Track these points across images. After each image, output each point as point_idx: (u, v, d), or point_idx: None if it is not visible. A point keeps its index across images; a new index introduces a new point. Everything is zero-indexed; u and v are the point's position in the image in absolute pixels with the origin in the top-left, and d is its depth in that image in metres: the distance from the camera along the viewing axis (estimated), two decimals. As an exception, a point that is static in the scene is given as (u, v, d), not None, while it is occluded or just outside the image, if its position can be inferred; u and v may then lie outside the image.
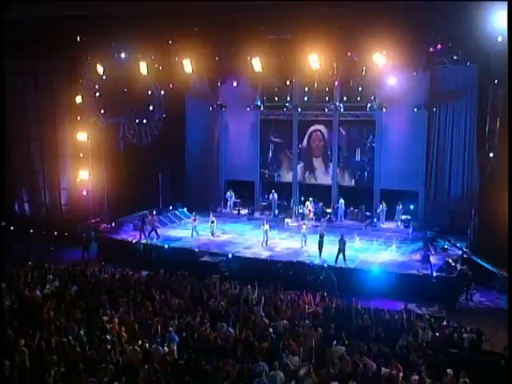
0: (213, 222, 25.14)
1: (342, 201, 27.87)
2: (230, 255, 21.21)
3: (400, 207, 26.52)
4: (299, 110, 29.13)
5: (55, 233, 26.62)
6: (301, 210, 28.32)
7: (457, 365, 11.63)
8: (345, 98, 28.22)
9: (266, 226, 23.83)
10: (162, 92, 28.80)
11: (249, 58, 22.96)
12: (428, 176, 26.58)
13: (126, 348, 12.22)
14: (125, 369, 11.17)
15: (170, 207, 29.97)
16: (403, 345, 13.47)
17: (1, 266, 17.35)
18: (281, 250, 22.73)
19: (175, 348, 12.79)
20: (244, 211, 29.69)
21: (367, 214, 26.78)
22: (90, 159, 27.45)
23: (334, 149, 29.11)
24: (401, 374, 11.72)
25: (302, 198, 29.20)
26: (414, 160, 26.78)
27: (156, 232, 24.24)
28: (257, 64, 23.00)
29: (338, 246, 20.59)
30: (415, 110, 25.81)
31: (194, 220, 26.02)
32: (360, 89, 27.13)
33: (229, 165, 31.56)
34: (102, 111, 26.84)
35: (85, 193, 27.38)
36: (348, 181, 29.05)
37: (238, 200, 30.44)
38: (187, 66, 24.07)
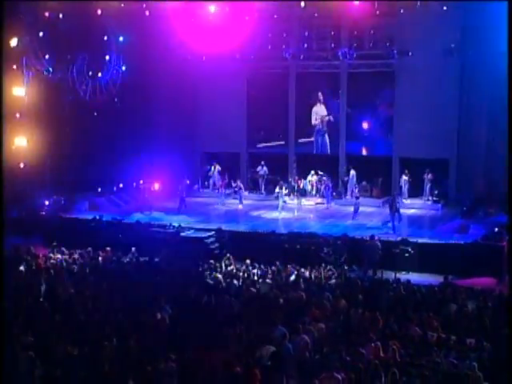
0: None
1: (352, 172, 28.59)
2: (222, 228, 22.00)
3: (428, 177, 27.18)
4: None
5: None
6: (301, 185, 28.89)
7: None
8: (355, 45, 29.05)
9: (284, 191, 26.09)
10: (121, 38, 29.07)
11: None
12: (461, 140, 27.45)
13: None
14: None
15: (134, 184, 30.22)
16: (449, 313, 14.08)
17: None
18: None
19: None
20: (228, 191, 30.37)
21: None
22: (30, 121, 27.47)
23: (341, 110, 29.79)
24: (453, 338, 12.34)
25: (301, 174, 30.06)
26: (444, 120, 27.74)
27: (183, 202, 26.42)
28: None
29: (390, 210, 22.24)
30: (444, 56, 26.83)
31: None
32: (372, 32, 28.03)
33: (208, 132, 32.08)
34: (47, 57, 26.92)
35: (22, 165, 27.36)
36: (359, 148, 29.77)
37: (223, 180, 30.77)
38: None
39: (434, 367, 10.83)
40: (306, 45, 30.03)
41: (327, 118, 30.19)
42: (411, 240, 20.03)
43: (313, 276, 17.03)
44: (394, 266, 18.30)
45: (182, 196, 27.09)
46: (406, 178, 27.63)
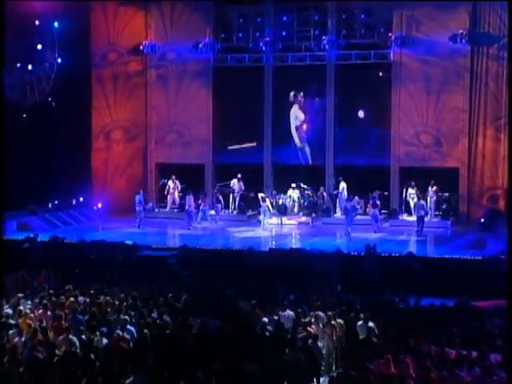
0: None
1: (343, 185, 29.21)
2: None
3: (433, 190, 27.97)
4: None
5: None
6: (280, 201, 29.45)
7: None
8: (343, 32, 30.01)
9: (267, 202, 26.90)
10: (56, 23, 29.47)
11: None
12: (473, 143, 28.36)
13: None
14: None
15: (73, 201, 30.43)
16: (466, 330, 14.69)
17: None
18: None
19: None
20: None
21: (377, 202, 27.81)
22: None
23: (328, 110, 30.53)
24: (474, 354, 12.90)
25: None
26: (451, 120, 28.65)
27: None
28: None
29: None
30: (450, 42, 27.84)
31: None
32: (363, 16, 29.24)
33: (162, 140, 32.55)
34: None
35: None
36: (349, 157, 30.52)
37: (180, 194, 31.21)
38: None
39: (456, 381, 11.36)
40: (284, 32, 30.83)
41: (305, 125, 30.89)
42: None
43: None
44: (397, 285, 18.70)
45: (141, 210, 28.30)
46: (414, 190, 28.36)
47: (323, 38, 29.78)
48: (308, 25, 30.50)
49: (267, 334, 13.96)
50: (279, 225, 28.40)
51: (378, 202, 27.02)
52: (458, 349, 13.29)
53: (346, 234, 25.65)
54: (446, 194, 28.56)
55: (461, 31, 27.71)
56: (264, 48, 30.64)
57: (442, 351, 13.09)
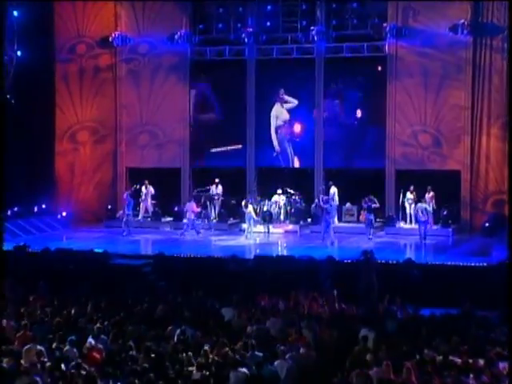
0: None
1: (334, 190, 29.40)
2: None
3: (429, 196, 28.22)
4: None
5: None
6: (265, 208, 29.70)
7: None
8: (334, 22, 30.41)
9: (250, 208, 27.24)
10: (16, 12, 29.47)
11: None
12: (475, 144, 28.74)
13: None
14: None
15: (35, 208, 30.45)
16: (471, 339, 14.95)
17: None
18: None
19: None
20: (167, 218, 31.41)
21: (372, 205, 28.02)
22: None
23: (317, 108, 30.84)
24: (481, 361, 13.17)
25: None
26: (452, 118, 29.09)
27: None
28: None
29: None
30: (450, 33, 28.21)
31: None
32: (355, 5, 29.81)
33: (135, 141, 32.71)
34: None
35: None
36: (341, 159, 30.88)
37: (154, 201, 31.36)
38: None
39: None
40: (268, 23, 31.16)
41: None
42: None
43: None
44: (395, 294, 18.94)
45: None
46: (412, 196, 28.68)
47: (311, 28, 30.09)
48: (295, 15, 30.80)
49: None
50: (264, 233, 28.56)
51: (374, 206, 27.25)
52: (463, 357, 13.50)
53: (324, 240, 26.26)
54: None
55: (462, 21, 28.05)
56: (246, 40, 30.87)
57: (446, 359, 13.30)
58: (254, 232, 28.10)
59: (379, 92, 30.28)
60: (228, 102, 32.25)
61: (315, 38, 30.04)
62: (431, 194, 28.27)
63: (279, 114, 31.65)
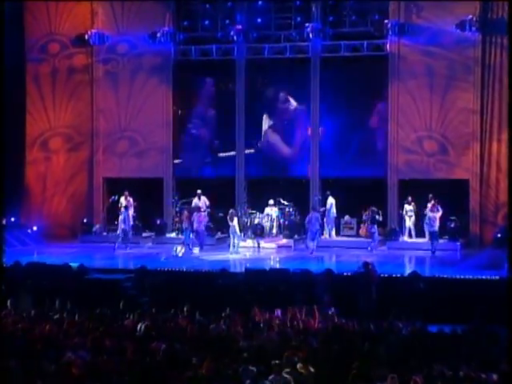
0: None
1: (331, 201, 29.72)
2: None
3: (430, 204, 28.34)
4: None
5: None
6: (256, 221, 29.90)
7: None
8: (331, 18, 30.80)
9: (235, 222, 27.46)
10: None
11: None
12: (485, 151, 29.05)
13: None
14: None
15: (3, 222, 30.50)
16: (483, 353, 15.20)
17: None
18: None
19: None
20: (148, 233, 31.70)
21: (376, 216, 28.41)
22: None
23: (312, 113, 31.12)
24: (494, 376, 13.42)
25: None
26: (460, 123, 29.40)
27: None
28: None
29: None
30: (457, 30, 28.59)
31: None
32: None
33: (113, 149, 32.90)
34: None
35: None
36: (338, 168, 31.22)
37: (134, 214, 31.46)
38: None
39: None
40: (259, 19, 31.49)
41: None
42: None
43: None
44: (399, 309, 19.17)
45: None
46: (411, 207, 29.03)
47: (306, 25, 30.28)
48: (288, 11, 31.22)
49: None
50: (254, 248, 28.75)
51: (378, 217, 27.72)
52: (475, 371, 13.70)
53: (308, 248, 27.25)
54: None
55: (470, 17, 28.41)
56: (235, 38, 31.03)
57: (457, 373, 13.50)
58: (242, 247, 28.41)
59: (380, 94, 30.65)
60: (215, 106, 32.49)
61: (310, 36, 30.25)
62: (432, 202, 28.40)
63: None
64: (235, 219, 28.04)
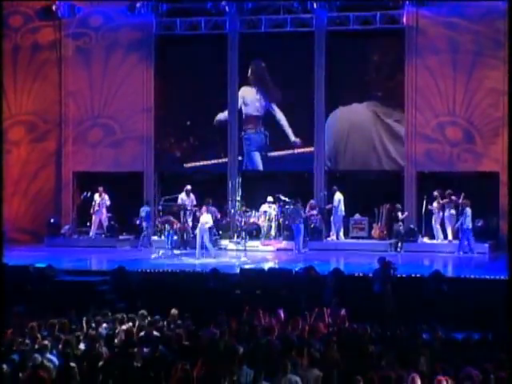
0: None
1: (338, 196, 29.72)
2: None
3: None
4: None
5: None
6: (252, 220, 29.89)
7: None
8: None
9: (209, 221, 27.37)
10: None
11: None
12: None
13: None
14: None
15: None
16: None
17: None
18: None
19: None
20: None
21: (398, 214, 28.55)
22: None
23: (317, 95, 31.15)
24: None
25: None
26: (488, 106, 29.49)
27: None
28: None
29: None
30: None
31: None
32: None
33: (85, 138, 32.93)
34: None
35: None
36: (347, 159, 31.28)
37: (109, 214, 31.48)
38: None
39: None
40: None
41: None
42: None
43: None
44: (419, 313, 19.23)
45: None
46: (437, 204, 29.02)
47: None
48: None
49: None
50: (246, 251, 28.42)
51: (400, 215, 28.15)
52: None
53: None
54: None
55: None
56: (227, 9, 31.19)
57: (487, 376, 13.52)
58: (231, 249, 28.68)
59: (395, 73, 30.74)
60: (204, 88, 32.48)
61: (314, 7, 30.43)
62: (454, 198, 28.60)
63: (248, 96, 32.28)
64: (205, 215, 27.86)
